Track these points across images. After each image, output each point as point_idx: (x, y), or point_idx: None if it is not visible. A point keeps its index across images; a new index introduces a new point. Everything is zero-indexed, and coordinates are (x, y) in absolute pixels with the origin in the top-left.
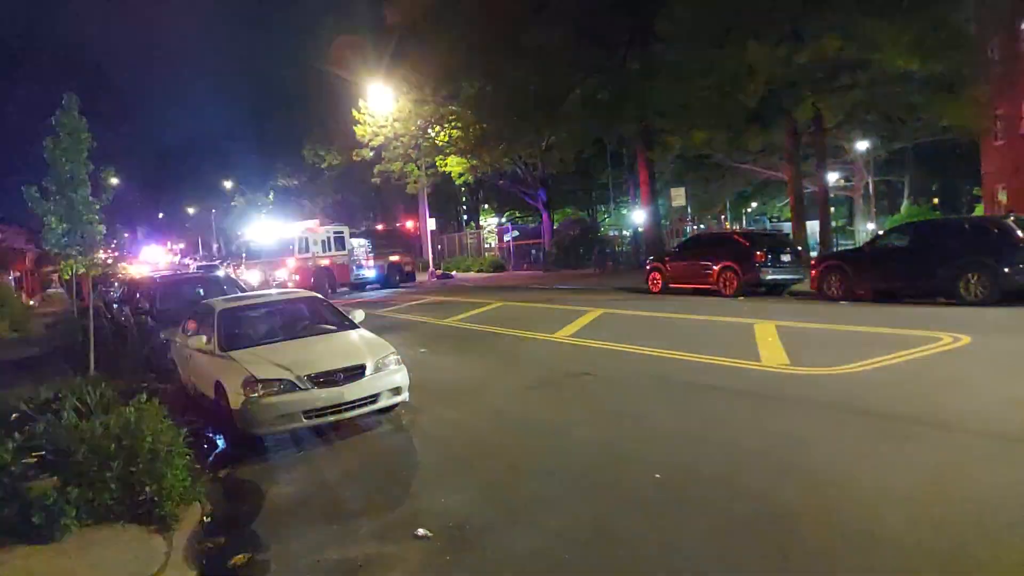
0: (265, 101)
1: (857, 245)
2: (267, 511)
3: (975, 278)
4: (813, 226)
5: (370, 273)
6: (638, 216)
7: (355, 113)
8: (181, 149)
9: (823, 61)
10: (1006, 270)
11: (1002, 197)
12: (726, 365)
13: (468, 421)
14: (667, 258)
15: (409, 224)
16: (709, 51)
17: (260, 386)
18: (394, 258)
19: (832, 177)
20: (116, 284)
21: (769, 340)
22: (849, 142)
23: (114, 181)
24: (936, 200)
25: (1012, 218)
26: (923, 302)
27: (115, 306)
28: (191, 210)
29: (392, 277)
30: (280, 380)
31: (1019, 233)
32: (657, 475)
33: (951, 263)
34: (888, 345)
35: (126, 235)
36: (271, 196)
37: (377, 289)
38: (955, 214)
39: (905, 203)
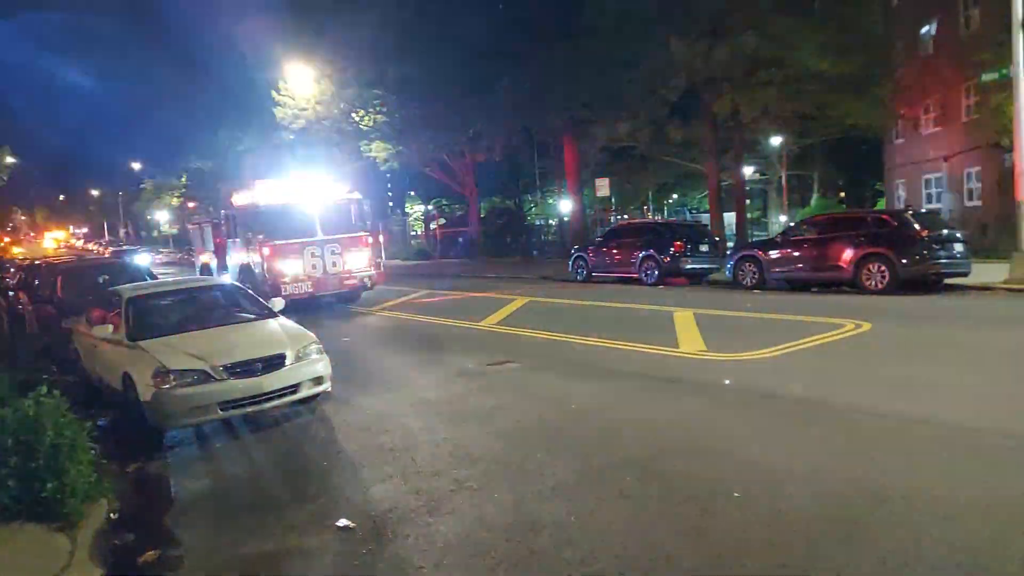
0: (177, 79)
1: (770, 236)
2: (179, 506)
3: (876, 268)
4: (730, 217)
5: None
6: (564, 206)
7: (275, 94)
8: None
9: (741, 58)
10: (904, 261)
11: (902, 192)
12: (647, 351)
13: (392, 410)
14: (591, 247)
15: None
16: (633, 44)
17: (172, 377)
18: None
19: (748, 170)
20: (13, 270)
21: (687, 327)
22: (765, 137)
23: (10, 160)
24: (843, 194)
25: (910, 212)
26: (830, 291)
27: (10, 293)
28: (95, 192)
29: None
30: (194, 371)
31: (916, 226)
32: (577, 460)
33: (855, 254)
34: (797, 332)
35: (22, 217)
36: (184, 179)
37: None
38: (859, 207)
39: (815, 196)
